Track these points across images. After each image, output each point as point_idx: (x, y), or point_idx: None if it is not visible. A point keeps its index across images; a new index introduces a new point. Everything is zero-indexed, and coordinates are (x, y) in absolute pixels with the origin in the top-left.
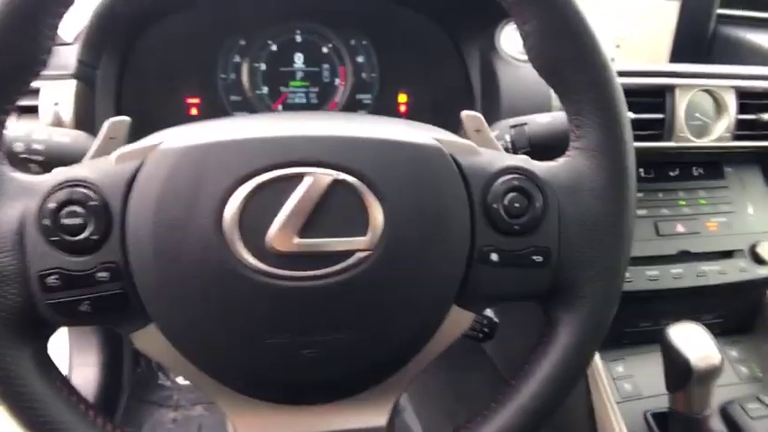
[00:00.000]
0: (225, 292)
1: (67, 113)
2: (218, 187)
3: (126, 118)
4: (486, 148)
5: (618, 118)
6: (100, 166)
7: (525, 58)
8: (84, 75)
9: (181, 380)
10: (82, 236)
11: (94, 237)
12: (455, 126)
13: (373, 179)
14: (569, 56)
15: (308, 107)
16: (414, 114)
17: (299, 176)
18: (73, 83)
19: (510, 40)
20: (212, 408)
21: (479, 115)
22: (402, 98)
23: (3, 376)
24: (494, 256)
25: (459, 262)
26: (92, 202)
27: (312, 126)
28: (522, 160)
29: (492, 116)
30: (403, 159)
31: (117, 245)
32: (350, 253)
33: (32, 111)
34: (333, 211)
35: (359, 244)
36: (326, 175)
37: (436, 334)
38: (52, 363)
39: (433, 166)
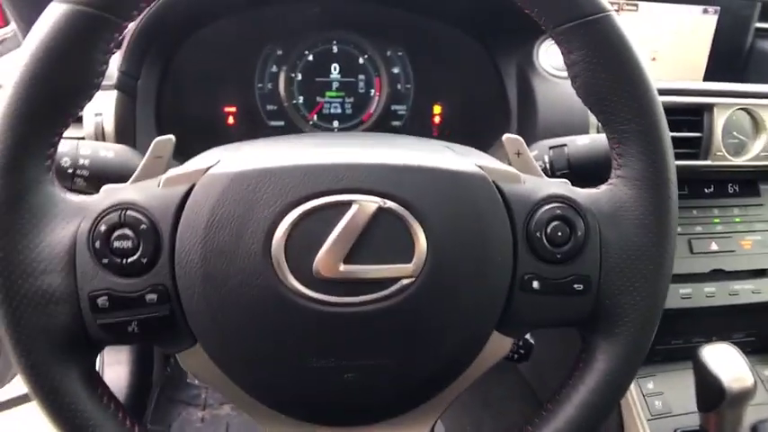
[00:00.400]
0: (271, 316)
1: (109, 123)
2: (268, 214)
3: (171, 137)
4: (528, 175)
5: (662, 149)
6: (149, 190)
7: (564, 74)
8: (126, 85)
9: None
10: (132, 258)
11: (144, 260)
12: (488, 138)
13: (418, 207)
14: (615, 86)
15: (343, 117)
16: (447, 126)
17: (346, 204)
18: (114, 93)
19: (548, 55)
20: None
21: (520, 138)
22: (436, 109)
23: (51, 396)
24: (535, 284)
25: (501, 290)
26: (142, 226)
27: (358, 153)
28: (564, 188)
29: (528, 132)
30: (447, 187)
31: (166, 268)
32: (394, 280)
33: (77, 120)
34: (378, 238)
35: (403, 271)
36: (372, 203)
37: (476, 359)
38: (99, 380)
39: (477, 194)
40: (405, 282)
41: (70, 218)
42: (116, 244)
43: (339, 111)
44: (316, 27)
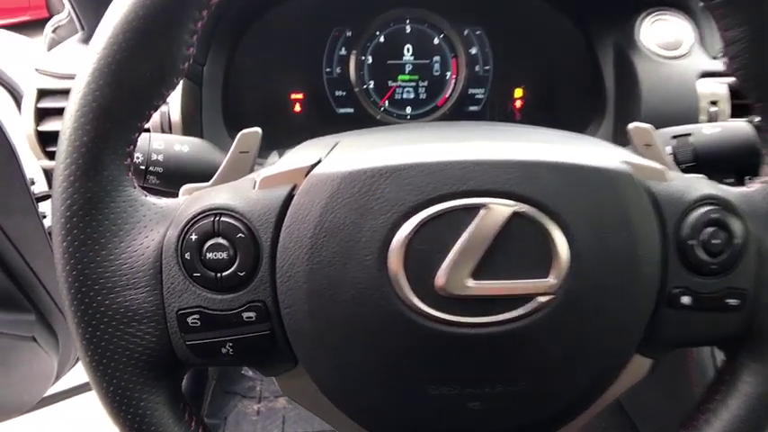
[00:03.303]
0: (386, 337)
1: (176, 113)
2: (384, 221)
3: (257, 130)
4: (673, 172)
5: None
6: (244, 192)
7: (670, 53)
8: (191, 72)
9: None
10: (228, 272)
11: (241, 273)
12: (577, 127)
13: (558, 212)
14: None
15: (416, 103)
16: (530, 112)
17: (476, 208)
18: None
19: (653, 32)
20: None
21: (650, 127)
22: (518, 93)
23: (136, 423)
24: (685, 300)
25: (647, 306)
26: (239, 235)
27: (487, 148)
28: (713, 186)
29: (627, 120)
30: (592, 188)
31: (266, 282)
32: (529, 297)
33: None
34: (511, 248)
35: (540, 287)
36: (506, 207)
37: (612, 384)
38: (186, 403)
39: (625, 195)
40: (541, 299)
41: (154, 225)
42: (209, 255)
43: (412, 95)
44: (387, 6)
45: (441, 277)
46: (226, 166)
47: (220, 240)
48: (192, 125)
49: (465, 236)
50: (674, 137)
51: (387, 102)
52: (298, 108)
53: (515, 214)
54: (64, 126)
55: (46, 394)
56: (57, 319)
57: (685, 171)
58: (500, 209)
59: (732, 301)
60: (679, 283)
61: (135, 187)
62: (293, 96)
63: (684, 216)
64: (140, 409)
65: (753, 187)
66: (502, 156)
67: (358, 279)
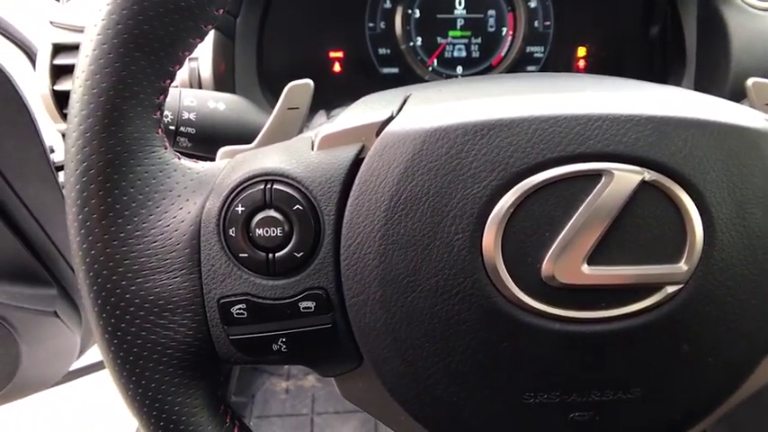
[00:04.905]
0: (477, 335)
1: (206, 69)
2: (479, 190)
3: (309, 82)
4: None
5: None
6: (300, 154)
7: (766, 4)
8: (224, 24)
9: None
10: (282, 253)
11: (299, 254)
12: None
13: (694, 181)
14: None
15: (468, 62)
16: (595, 72)
17: (595, 175)
18: (211, 34)
19: None
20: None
21: None
22: (581, 52)
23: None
24: None
25: None
26: (297, 207)
27: (607, 99)
28: None
29: (713, 80)
30: (734, 152)
31: (328, 266)
32: (656, 287)
33: None
34: (638, 227)
35: (671, 275)
36: (632, 174)
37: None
38: (227, 405)
39: None
40: (671, 289)
41: (190, 194)
42: (259, 232)
43: (464, 54)
44: None
45: (549, 262)
46: (272, 124)
47: (273, 213)
48: (224, 83)
49: (581, 210)
50: None
51: (435, 61)
52: (337, 68)
53: (644, 184)
54: (78, 70)
55: (70, 369)
56: (79, 294)
57: None
58: (626, 176)
59: None
60: None
61: (166, 148)
62: (333, 55)
63: None
64: (174, 414)
65: None
66: (627, 110)
67: (444, 263)
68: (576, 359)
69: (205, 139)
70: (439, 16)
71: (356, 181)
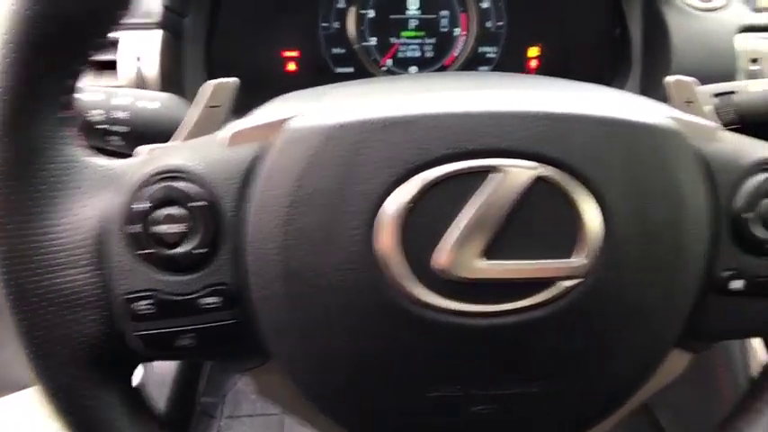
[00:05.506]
0: (376, 329)
1: (152, 70)
2: (375, 185)
3: (234, 80)
4: (725, 132)
5: None
6: (205, 151)
7: (706, 5)
8: (171, 24)
9: None
10: (184, 249)
11: (201, 250)
12: None
13: (591, 177)
14: None
15: (422, 62)
16: (547, 72)
17: (488, 171)
18: (158, 33)
19: None
20: None
21: (692, 80)
22: (533, 52)
23: (86, 428)
24: (737, 284)
25: (692, 293)
26: (196, 203)
27: (502, 97)
28: None
29: (656, 79)
30: (631, 148)
31: (230, 261)
32: (551, 281)
33: (110, 67)
34: (533, 222)
35: (566, 269)
36: (526, 170)
37: (646, 383)
38: (143, 401)
39: (672, 157)
40: (567, 284)
41: (96, 191)
42: (161, 228)
43: (417, 54)
44: None
45: (444, 256)
46: (189, 122)
47: (174, 210)
48: (172, 85)
49: (475, 205)
50: (716, 95)
51: (390, 61)
52: (293, 67)
53: (539, 180)
54: None
55: None
56: None
57: None
58: (520, 172)
59: None
60: (731, 265)
61: (73, 145)
62: (287, 54)
63: (739, 183)
64: (88, 409)
65: None
66: (523, 107)
67: (342, 258)
68: (474, 353)
69: (139, 138)
70: (392, 17)
71: (258, 177)
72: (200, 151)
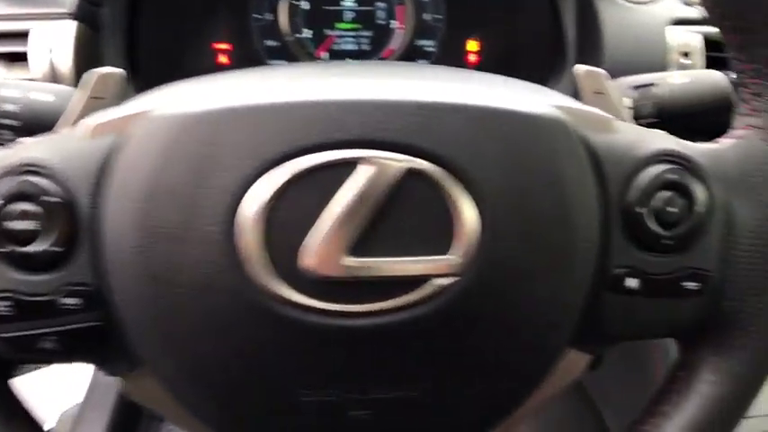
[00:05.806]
0: (242, 331)
1: (65, 62)
2: (233, 178)
3: (119, 70)
4: (622, 122)
5: None
6: (64, 143)
7: None
8: (86, 14)
9: None
10: (38, 246)
11: (57, 248)
12: (536, 81)
13: (465, 168)
14: None
15: (358, 55)
16: (485, 66)
17: (356, 163)
18: (72, 24)
19: None
20: None
21: (602, 72)
22: (472, 46)
23: None
24: (631, 283)
25: (582, 291)
26: (50, 198)
27: (373, 86)
28: (671, 141)
29: None
30: (511, 139)
31: (90, 260)
32: (424, 279)
33: (21, 59)
34: (404, 217)
35: (440, 266)
36: (395, 163)
37: (539, 386)
38: (21, 408)
39: (555, 148)
40: (441, 282)
41: None
42: (15, 224)
43: (353, 47)
44: None
45: (308, 254)
46: (70, 113)
47: (27, 205)
48: None
49: (343, 199)
50: (636, 87)
51: (327, 53)
52: (224, 59)
53: (409, 172)
54: None
55: None
56: None
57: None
58: (389, 165)
59: (690, 285)
60: (624, 262)
61: None
62: (217, 47)
63: (632, 176)
64: None
65: (722, 143)
66: (394, 95)
67: (203, 258)
68: (345, 355)
69: (32, 132)
70: (327, 8)
71: (115, 171)
72: (60, 144)
